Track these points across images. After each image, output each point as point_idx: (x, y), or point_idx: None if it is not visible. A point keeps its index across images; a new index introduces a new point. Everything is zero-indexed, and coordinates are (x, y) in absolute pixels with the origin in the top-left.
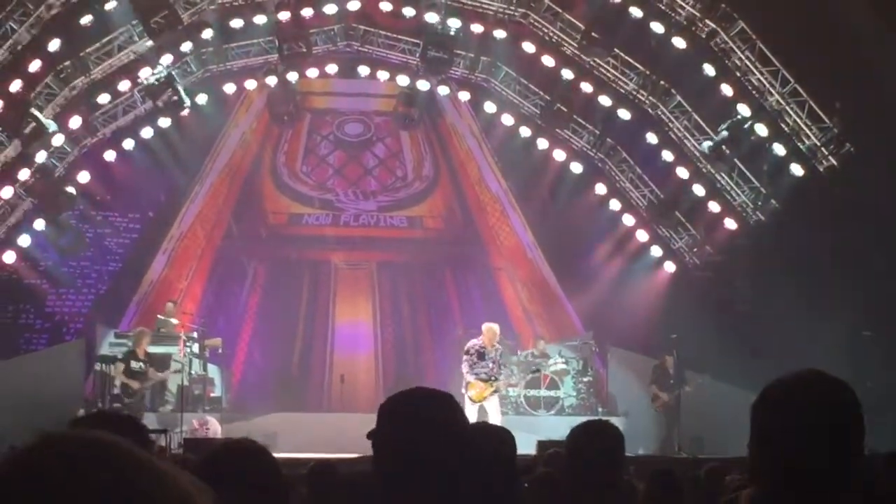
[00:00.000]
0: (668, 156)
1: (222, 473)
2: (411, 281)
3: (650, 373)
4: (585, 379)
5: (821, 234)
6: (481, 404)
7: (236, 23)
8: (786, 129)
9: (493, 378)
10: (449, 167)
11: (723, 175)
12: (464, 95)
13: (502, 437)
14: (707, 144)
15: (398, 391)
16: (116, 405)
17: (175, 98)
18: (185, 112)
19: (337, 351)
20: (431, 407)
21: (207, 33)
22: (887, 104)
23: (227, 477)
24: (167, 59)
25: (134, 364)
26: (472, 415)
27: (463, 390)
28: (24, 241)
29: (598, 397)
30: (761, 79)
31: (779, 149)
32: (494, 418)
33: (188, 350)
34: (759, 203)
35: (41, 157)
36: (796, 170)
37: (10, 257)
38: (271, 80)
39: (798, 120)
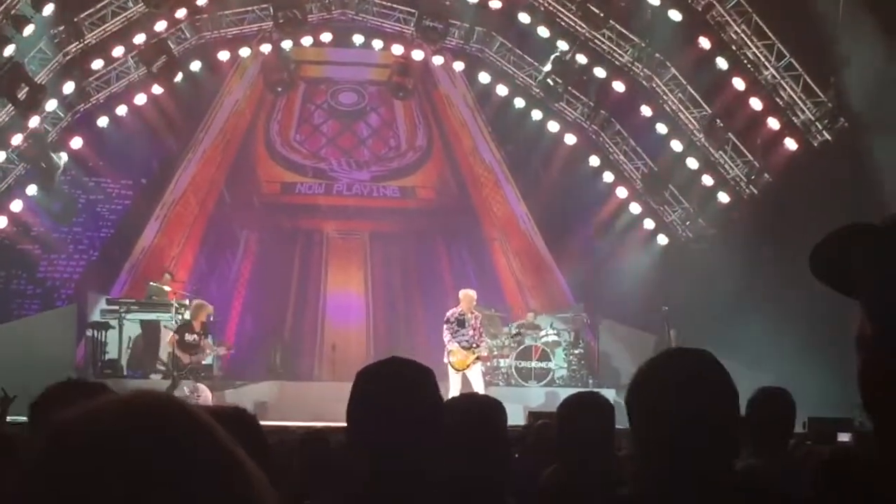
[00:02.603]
0: (661, 128)
1: None
2: (404, 251)
3: (652, 347)
4: (576, 351)
5: (814, 209)
6: (464, 373)
7: None
8: (780, 103)
9: (474, 345)
10: (442, 137)
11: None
12: (458, 65)
13: (493, 407)
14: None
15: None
16: (108, 371)
17: (169, 64)
18: (179, 79)
19: (329, 320)
20: (407, 372)
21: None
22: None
23: None
24: (161, 25)
25: (188, 336)
26: (455, 384)
27: (445, 359)
28: (17, 206)
29: (589, 369)
30: (756, 52)
31: (773, 123)
32: (478, 387)
33: (179, 318)
34: (753, 177)
35: (34, 122)
36: (790, 144)
37: (1, 222)
38: (265, 48)
39: (793, 94)
